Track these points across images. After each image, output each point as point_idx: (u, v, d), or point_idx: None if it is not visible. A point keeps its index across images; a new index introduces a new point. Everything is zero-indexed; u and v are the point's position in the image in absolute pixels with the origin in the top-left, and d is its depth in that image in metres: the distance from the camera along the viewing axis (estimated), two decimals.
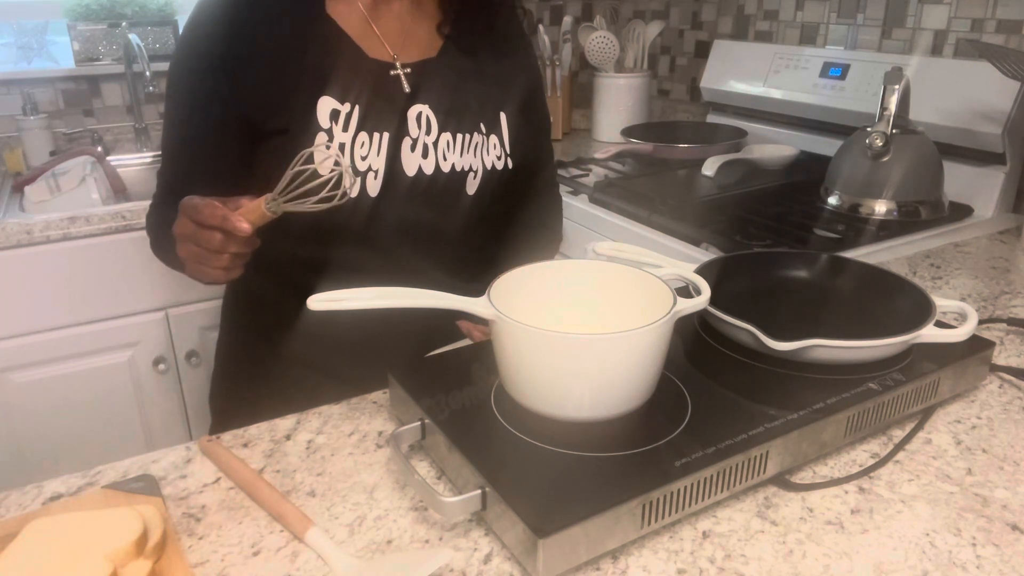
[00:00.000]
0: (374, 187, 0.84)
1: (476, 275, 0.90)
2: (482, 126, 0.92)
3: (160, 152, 0.92)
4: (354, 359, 0.88)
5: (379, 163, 0.85)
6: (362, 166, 0.84)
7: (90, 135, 1.92)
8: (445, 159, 0.89)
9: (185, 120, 0.86)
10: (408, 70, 0.89)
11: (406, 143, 0.86)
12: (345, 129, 0.83)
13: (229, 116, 0.83)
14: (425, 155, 0.87)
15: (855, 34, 1.62)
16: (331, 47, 0.85)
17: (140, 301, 1.53)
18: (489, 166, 0.92)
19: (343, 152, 0.83)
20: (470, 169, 0.90)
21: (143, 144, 1.96)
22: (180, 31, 0.88)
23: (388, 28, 0.89)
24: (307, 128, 0.82)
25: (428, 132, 0.88)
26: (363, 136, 0.84)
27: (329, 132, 0.82)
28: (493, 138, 0.92)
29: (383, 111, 0.86)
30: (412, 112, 0.87)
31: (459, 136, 0.89)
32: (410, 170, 0.87)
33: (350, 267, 0.86)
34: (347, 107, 0.83)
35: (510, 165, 0.94)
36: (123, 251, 1.48)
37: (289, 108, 0.82)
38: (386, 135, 0.85)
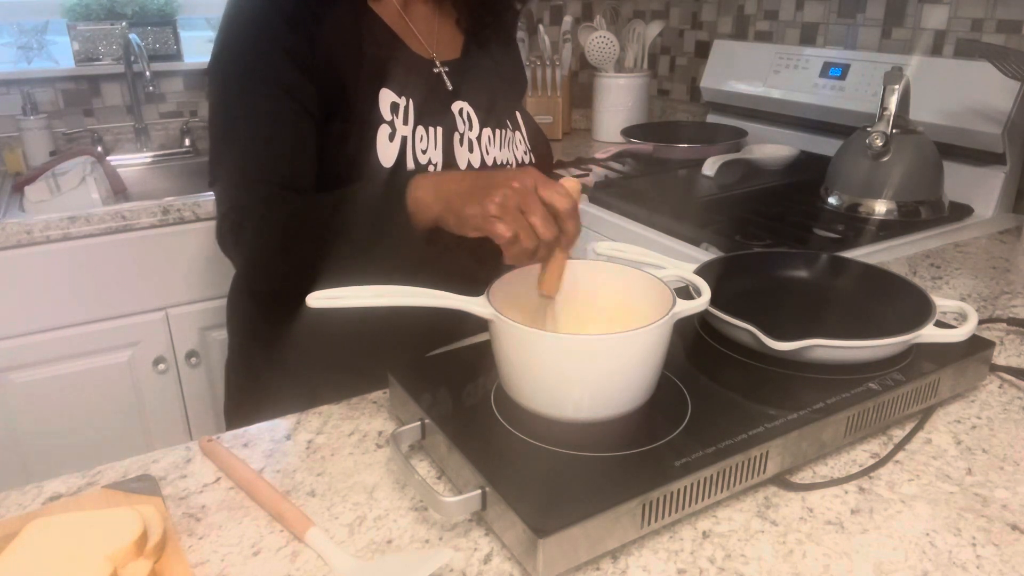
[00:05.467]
0: None
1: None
2: (508, 123, 0.97)
3: (209, 153, 0.85)
4: (354, 359, 0.88)
5: (437, 157, 0.87)
6: (423, 159, 0.86)
7: (90, 135, 1.92)
8: (488, 153, 0.92)
9: (271, 114, 0.81)
10: (447, 68, 0.92)
11: (456, 137, 0.89)
12: (405, 123, 0.85)
13: (306, 104, 0.82)
14: (471, 150, 0.91)
15: (855, 34, 1.62)
16: (381, 40, 0.87)
17: (140, 301, 1.53)
18: (519, 160, 0.97)
19: (405, 146, 0.84)
20: (507, 163, 0.95)
21: (143, 144, 1.96)
22: (222, 29, 0.83)
23: (421, 26, 0.92)
24: (371, 120, 0.83)
25: (471, 128, 0.91)
26: (421, 130, 0.86)
27: (391, 124, 0.84)
28: (518, 134, 0.98)
29: (433, 106, 0.88)
30: (455, 108, 0.91)
31: (497, 131, 0.94)
32: (462, 163, 0.90)
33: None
34: (404, 101, 0.85)
35: (533, 160, 0.99)
36: (123, 251, 1.48)
37: (352, 99, 0.83)
38: (440, 129, 0.88)
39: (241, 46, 0.82)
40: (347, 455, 0.68)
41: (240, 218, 0.81)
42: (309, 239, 0.79)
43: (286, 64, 0.80)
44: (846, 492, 0.62)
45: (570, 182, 0.67)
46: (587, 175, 1.63)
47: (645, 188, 1.49)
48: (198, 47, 2.04)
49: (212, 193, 0.87)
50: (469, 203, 0.67)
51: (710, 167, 1.56)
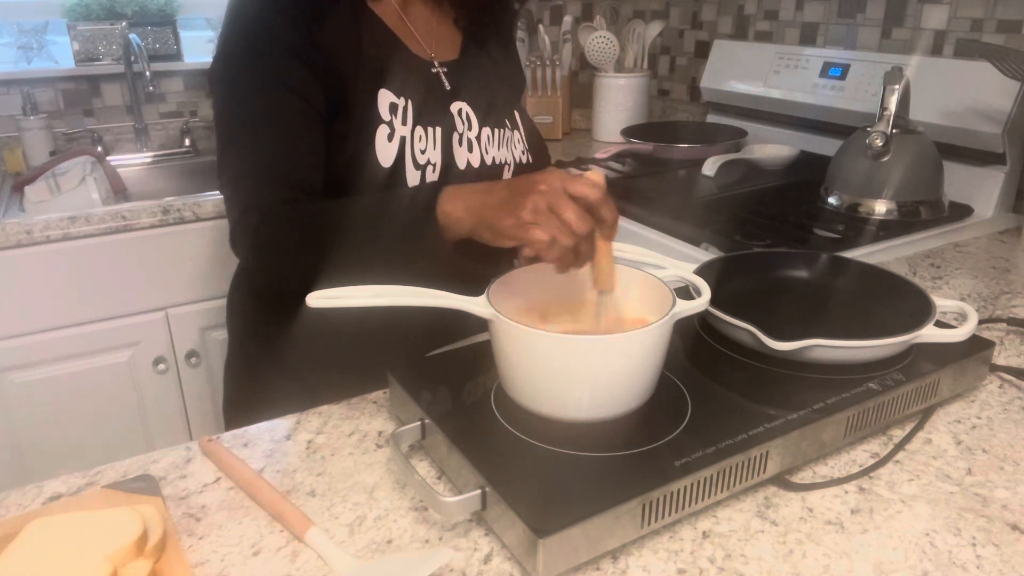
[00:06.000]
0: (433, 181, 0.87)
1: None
2: (507, 122, 0.97)
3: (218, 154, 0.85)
4: (354, 358, 0.88)
5: (436, 157, 0.87)
6: (421, 160, 0.86)
7: (90, 135, 1.92)
8: (487, 152, 0.93)
9: (278, 114, 0.81)
10: (445, 68, 0.92)
11: (454, 137, 0.90)
12: (404, 123, 0.85)
13: (312, 102, 0.82)
14: (471, 149, 0.91)
15: (855, 34, 1.62)
16: (380, 41, 0.87)
17: (140, 301, 1.53)
18: (518, 159, 0.97)
19: (404, 146, 0.84)
20: (505, 162, 0.95)
21: (143, 144, 1.96)
22: (224, 33, 0.84)
23: (420, 27, 0.92)
24: (370, 120, 0.83)
25: (470, 127, 0.92)
26: (419, 130, 0.86)
27: (390, 125, 0.84)
28: (517, 133, 0.99)
29: (432, 106, 0.89)
30: (454, 108, 0.91)
31: (496, 131, 0.94)
32: (461, 163, 0.90)
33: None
34: (402, 101, 0.86)
35: (531, 160, 1.00)
36: (123, 251, 1.48)
37: (351, 99, 0.83)
38: (438, 129, 0.88)
39: (244, 47, 0.82)
40: (347, 455, 0.68)
41: (257, 220, 0.81)
42: (331, 244, 0.78)
43: (290, 63, 0.80)
44: (846, 492, 0.62)
45: (595, 174, 0.67)
46: None
47: (645, 188, 1.49)
48: (198, 47, 2.04)
49: (215, 193, 0.88)
50: (502, 214, 0.67)
51: (710, 167, 1.56)
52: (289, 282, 0.86)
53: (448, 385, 0.69)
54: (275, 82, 0.80)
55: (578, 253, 0.65)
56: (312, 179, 0.83)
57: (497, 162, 0.94)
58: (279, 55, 0.80)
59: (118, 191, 1.74)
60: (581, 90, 2.27)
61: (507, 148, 0.96)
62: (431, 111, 0.88)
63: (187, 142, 2.00)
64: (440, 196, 0.73)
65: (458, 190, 0.74)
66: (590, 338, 0.62)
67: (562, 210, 0.64)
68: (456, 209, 0.72)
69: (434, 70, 0.92)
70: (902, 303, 0.79)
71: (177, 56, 1.99)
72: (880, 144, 1.24)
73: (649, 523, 0.55)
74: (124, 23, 1.92)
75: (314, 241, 0.79)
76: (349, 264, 0.76)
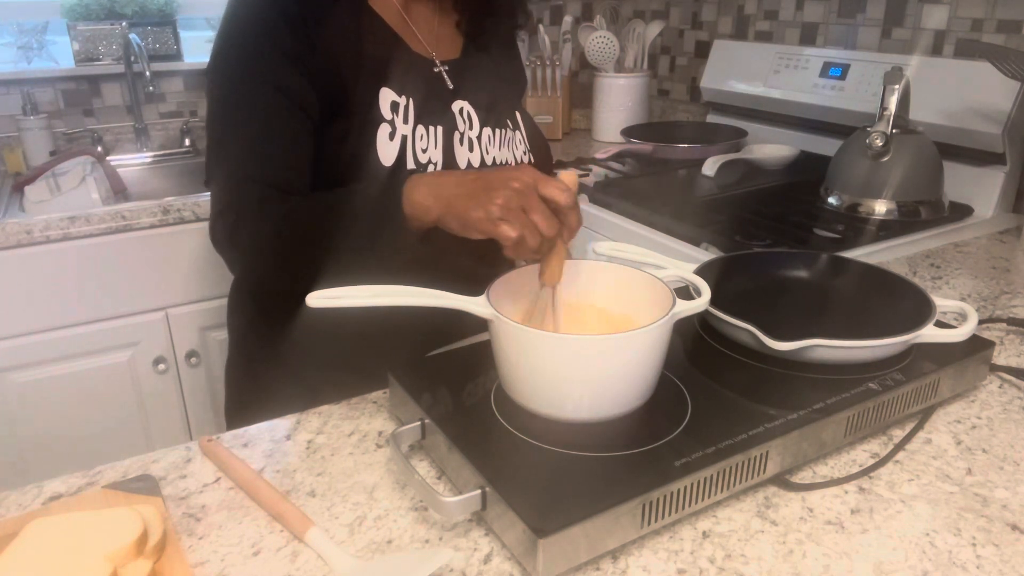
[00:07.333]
0: None
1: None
2: (508, 122, 0.97)
3: (208, 152, 0.85)
4: (354, 358, 0.88)
5: (437, 156, 0.87)
6: (423, 159, 0.86)
7: (90, 135, 1.92)
8: (488, 152, 0.93)
9: (267, 114, 0.81)
10: (447, 67, 0.93)
11: (455, 137, 0.90)
12: (405, 121, 0.85)
13: (304, 105, 0.82)
14: (471, 149, 0.91)
15: (855, 34, 1.62)
16: (381, 40, 0.87)
17: (140, 301, 1.53)
18: (518, 159, 0.97)
19: (405, 145, 0.85)
20: (506, 162, 0.95)
21: (143, 144, 1.96)
22: (222, 30, 0.84)
23: (422, 27, 0.92)
24: (371, 119, 0.83)
25: (471, 127, 0.92)
26: (421, 129, 0.86)
27: (392, 123, 0.84)
28: (518, 134, 0.99)
29: (433, 106, 0.89)
30: (455, 107, 0.91)
31: (497, 131, 0.94)
32: (462, 163, 0.90)
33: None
34: (404, 100, 0.86)
35: (532, 160, 0.99)
36: (123, 251, 1.48)
37: (352, 98, 0.83)
38: (440, 128, 0.88)
39: (240, 46, 0.82)
40: (347, 455, 0.68)
41: (234, 218, 0.81)
42: (303, 240, 0.79)
43: (284, 65, 0.80)
44: (846, 492, 0.62)
45: (568, 175, 0.68)
46: (587, 175, 1.63)
47: (645, 188, 1.49)
48: (198, 47, 2.04)
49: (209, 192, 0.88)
50: (472, 206, 0.67)
51: (710, 167, 1.56)
52: (270, 280, 0.87)
53: (448, 385, 0.69)
54: (265, 83, 0.81)
55: (538, 250, 0.67)
56: (295, 180, 0.82)
57: (498, 162, 0.94)
58: (273, 57, 0.80)
59: (118, 191, 1.74)
60: (581, 90, 2.27)
61: (508, 148, 0.96)
62: (432, 110, 0.88)
63: (187, 142, 2.00)
64: (407, 184, 0.73)
65: (424, 178, 0.74)
66: (590, 338, 0.62)
67: (532, 210, 0.65)
68: (424, 197, 0.72)
69: (436, 69, 0.92)
70: (902, 303, 0.79)
71: (177, 56, 1.99)
72: (880, 144, 1.24)
73: (649, 523, 0.55)
74: (124, 23, 1.92)
75: (291, 238, 0.80)
76: (326, 259, 0.76)
